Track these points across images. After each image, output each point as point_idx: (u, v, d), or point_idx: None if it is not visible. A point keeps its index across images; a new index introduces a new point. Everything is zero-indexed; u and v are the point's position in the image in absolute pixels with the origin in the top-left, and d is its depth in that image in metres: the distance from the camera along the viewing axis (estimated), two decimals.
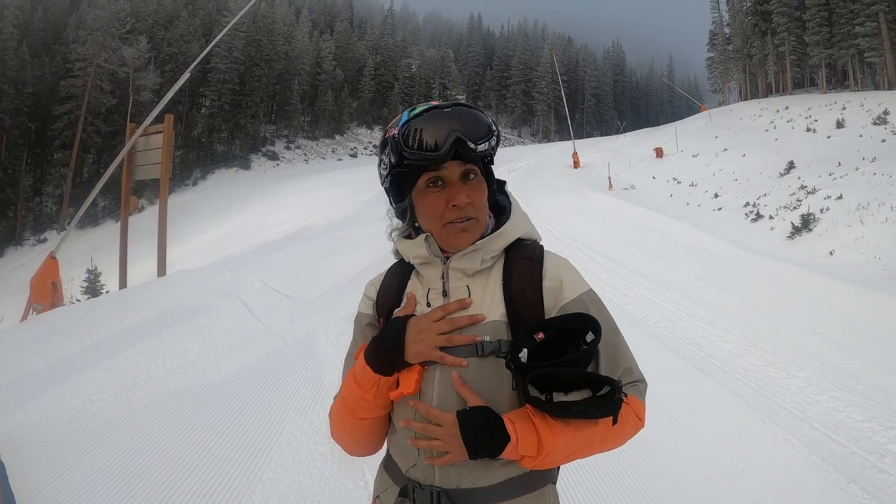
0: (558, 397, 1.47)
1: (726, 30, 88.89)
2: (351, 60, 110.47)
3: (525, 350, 1.50)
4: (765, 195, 23.50)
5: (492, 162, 1.80)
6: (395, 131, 1.67)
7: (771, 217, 20.61)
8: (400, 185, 1.75)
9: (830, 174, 23.19)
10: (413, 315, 1.69)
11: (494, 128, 1.66)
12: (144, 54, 71.58)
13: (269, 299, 10.28)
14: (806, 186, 22.34)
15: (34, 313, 12.13)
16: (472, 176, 1.68)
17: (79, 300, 18.05)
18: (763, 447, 5.31)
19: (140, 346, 7.83)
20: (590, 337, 1.51)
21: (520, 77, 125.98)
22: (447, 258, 1.73)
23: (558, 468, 1.74)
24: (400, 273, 1.86)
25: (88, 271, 21.77)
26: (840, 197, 19.17)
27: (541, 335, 1.51)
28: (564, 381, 1.47)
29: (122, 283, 15.39)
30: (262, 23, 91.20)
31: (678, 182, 31.28)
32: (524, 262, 1.70)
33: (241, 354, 7.45)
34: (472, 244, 1.68)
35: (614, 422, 1.48)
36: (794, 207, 20.24)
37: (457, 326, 1.62)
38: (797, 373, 7.20)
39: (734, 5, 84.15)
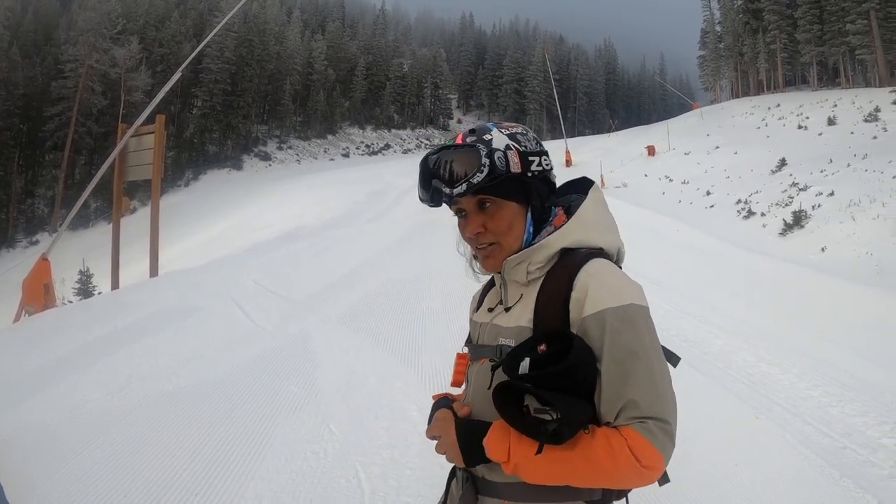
0: (539, 413, 1.47)
1: (717, 28, 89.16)
2: (343, 60, 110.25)
3: (527, 359, 1.52)
4: (757, 192, 23.58)
5: (544, 174, 1.79)
6: None
7: (763, 214, 20.68)
8: None
9: (822, 171, 23.25)
10: (451, 401, 1.89)
11: (483, 160, 1.66)
12: (136, 55, 71.39)
13: (261, 299, 10.25)
14: (798, 183, 22.40)
15: (26, 315, 12.07)
16: (487, 205, 1.74)
17: (71, 301, 18.00)
18: (756, 443, 5.32)
19: (132, 346, 7.79)
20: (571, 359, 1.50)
21: (512, 76, 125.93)
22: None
23: (612, 492, 1.66)
24: (492, 281, 2.00)
25: (80, 272, 21.68)
26: (832, 194, 19.24)
27: (542, 347, 1.53)
28: (535, 396, 1.48)
29: (115, 284, 15.33)
30: (254, 23, 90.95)
31: (670, 180, 31.38)
32: (561, 270, 1.69)
33: (233, 354, 7.42)
34: (515, 257, 1.75)
35: (538, 450, 1.45)
36: (786, 204, 20.31)
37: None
38: (790, 368, 7.22)
39: (725, 3, 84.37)
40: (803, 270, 12.69)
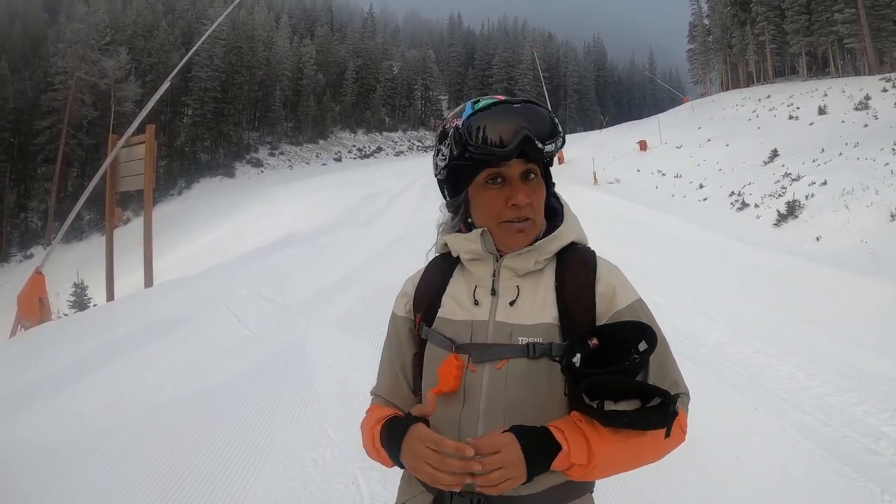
0: (608, 406, 1.43)
1: (706, 21, 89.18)
2: (332, 64, 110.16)
3: (578, 355, 1.46)
4: (750, 184, 23.59)
5: (551, 163, 1.77)
6: (459, 122, 1.63)
7: (756, 205, 20.69)
8: (456, 178, 1.73)
9: (814, 161, 23.28)
10: (418, 422, 1.54)
11: (560, 129, 1.65)
12: (125, 65, 71.18)
13: (255, 306, 10.23)
14: (790, 174, 22.43)
15: (22, 329, 12.03)
16: (532, 175, 1.66)
17: (66, 314, 17.95)
18: (756, 434, 5.31)
19: (128, 357, 7.76)
20: (643, 346, 1.45)
21: (501, 75, 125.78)
22: (500, 256, 1.69)
23: None
24: (443, 267, 1.83)
25: (75, 285, 21.62)
26: (824, 183, 19.26)
27: (594, 341, 1.47)
28: (616, 390, 1.44)
29: (110, 296, 15.29)
30: (242, 30, 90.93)
31: (663, 174, 31.38)
32: (578, 265, 1.67)
33: (229, 362, 7.40)
34: (528, 245, 1.66)
35: (667, 434, 1.44)
36: (780, 195, 20.32)
37: (445, 467, 1.41)
38: (787, 359, 7.23)
39: None
40: (798, 261, 12.69)
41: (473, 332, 1.66)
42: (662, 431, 1.43)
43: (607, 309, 1.61)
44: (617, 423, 1.42)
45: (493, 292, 1.68)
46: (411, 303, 1.85)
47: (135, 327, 9.37)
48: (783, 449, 5.03)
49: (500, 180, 1.64)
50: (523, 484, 1.43)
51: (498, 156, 1.59)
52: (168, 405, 6.07)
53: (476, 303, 1.69)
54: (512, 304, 1.65)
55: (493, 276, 1.70)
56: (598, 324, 1.59)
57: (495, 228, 1.67)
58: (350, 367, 6.97)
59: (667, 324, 7.48)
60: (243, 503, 4.24)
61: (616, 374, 1.42)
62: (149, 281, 15.11)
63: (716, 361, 7.24)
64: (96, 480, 4.60)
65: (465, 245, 1.71)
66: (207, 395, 6.33)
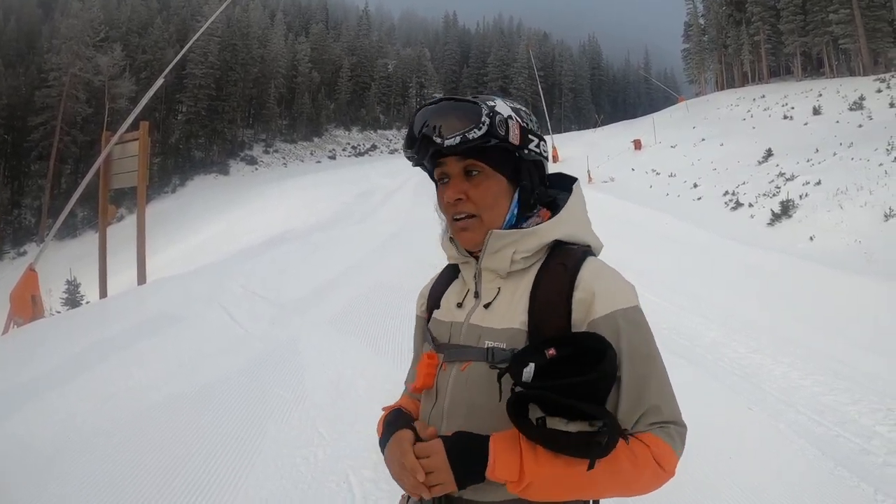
0: (554, 423, 1.33)
1: (701, 21, 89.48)
2: (327, 62, 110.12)
3: (532, 365, 1.36)
4: (744, 183, 23.63)
5: (539, 159, 1.70)
6: None
7: (750, 205, 20.73)
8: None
9: (808, 160, 23.32)
10: (411, 419, 1.67)
11: (483, 117, 1.54)
12: (119, 62, 71.09)
13: (249, 304, 10.20)
14: (784, 173, 22.47)
15: (14, 327, 11.99)
16: (474, 172, 1.61)
17: (59, 311, 17.90)
18: (749, 434, 5.31)
19: (121, 355, 7.73)
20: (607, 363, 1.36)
21: (496, 74, 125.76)
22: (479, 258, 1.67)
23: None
24: (450, 271, 1.86)
25: (68, 282, 21.61)
26: (819, 183, 19.30)
27: (552, 351, 1.37)
28: (563, 408, 1.33)
29: (103, 293, 15.25)
30: (237, 27, 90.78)
31: (657, 173, 31.41)
32: (558, 267, 1.58)
33: (221, 360, 7.37)
34: (481, 242, 1.63)
35: (590, 466, 1.30)
36: (774, 194, 20.36)
37: (402, 479, 1.49)
38: (782, 358, 7.23)
39: None
40: (792, 260, 12.72)
41: (451, 333, 1.68)
42: (624, 459, 1.37)
43: (585, 317, 1.50)
44: (551, 444, 1.35)
45: (477, 295, 1.68)
46: (426, 303, 1.89)
47: (128, 325, 9.34)
48: (777, 449, 5.02)
49: (445, 179, 1.65)
50: (461, 490, 1.44)
51: (410, 158, 1.65)
52: (160, 404, 6.04)
53: (459, 305, 1.70)
54: (487, 306, 1.63)
55: (475, 277, 1.69)
56: (572, 332, 1.50)
57: (451, 227, 1.68)
58: (343, 365, 6.94)
59: (661, 323, 7.46)
60: (235, 501, 4.22)
61: (558, 390, 1.32)
62: (142, 278, 15.07)
63: (710, 361, 7.24)
64: (88, 479, 4.58)
65: (448, 250, 1.74)
66: (200, 392, 6.31)
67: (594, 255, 1.67)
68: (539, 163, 1.70)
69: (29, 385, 6.93)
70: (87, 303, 18.46)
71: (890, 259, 12.75)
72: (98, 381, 6.82)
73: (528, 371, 1.35)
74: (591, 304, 1.50)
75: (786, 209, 18.06)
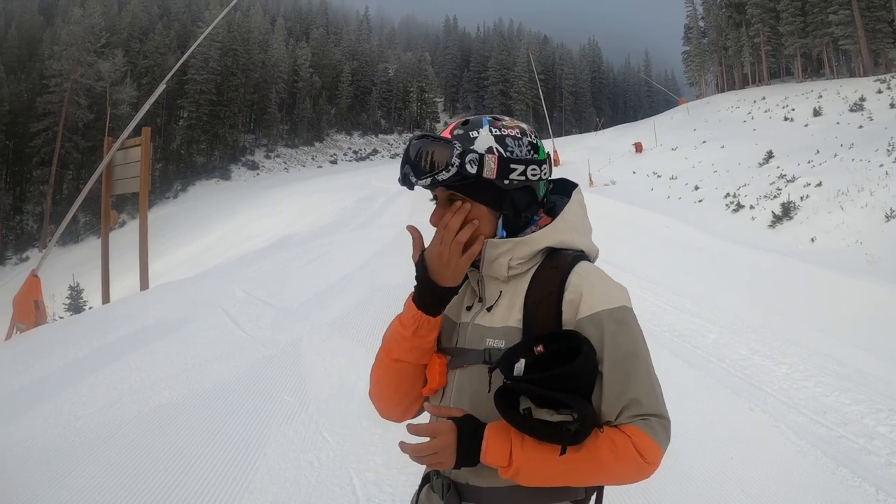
0: (541, 415, 1.44)
1: (701, 23, 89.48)
2: (328, 67, 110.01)
3: (522, 361, 1.48)
4: (745, 185, 23.66)
5: (526, 184, 1.73)
6: None
7: (752, 207, 20.76)
8: None
9: (809, 162, 23.35)
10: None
11: (454, 159, 1.62)
12: (120, 68, 71.26)
13: (252, 309, 10.20)
14: (785, 175, 22.49)
15: (18, 332, 12.01)
16: (456, 202, 1.71)
17: (62, 317, 17.91)
18: (751, 435, 5.31)
19: (124, 360, 7.74)
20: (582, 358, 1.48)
21: (497, 77, 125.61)
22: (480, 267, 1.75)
23: (593, 490, 1.69)
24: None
25: (71, 288, 21.54)
26: (819, 184, 19.31)
27: (539, 348, 1.49)
28: (548, 400, 1.44)
29: (105, 299, 15.25)
30: (238, 32, 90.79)
31: (658, 176, 31.44)
32: (550, 270, 1.68)
33: (224, 365, 7.38)
34: (495, 250, 1.70)
35: (562, 451, 1.43)
36: (774, 196, 20.38)
37: (453, 236, 1.65)
38: (783, 359, 7.23)
39: None
40: (793, 262, 12.72)
41: (458, 334, 1.79)
42: (605, 448, 1.46)
43: (573, 317, 1.61)
44: (530, 431, 1.46)
45: (480, 299, 1.78)
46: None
47: (131, 330, 9.35)
48: (779, 449, 5.03)
49: (436, 199, 1.79)
50: (457, 469, 1.59)
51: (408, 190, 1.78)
52: (164, 408, 6.05)
53: (468, 308, 1.81)
54: (489, 309, 1.73)
55: (478, 284, 1.79)
56: (555, 330, 1.60)
57: None
58: (346, 369, 6.96)
59: (663, 325, 7.48)
60: None
61: (537, 382, 1.44)
62: (144, 284, 15.06)
63: (712, 362, 7.24)
64: (92, 484, 4.58)
65: None
66: (203, 397, 6.32)
67: (588, 259, 1.76)
68: (528, 188, 1.75)
69: (32, 389, 6.95)
70: (90, 308, 18.43)
71: (891, 260, 12.76)
72: (101, 386, 6.82)
73: (520, 366, 1.48)
74: (578, 304, 1.61)
75: (787, 211, 18.08)
